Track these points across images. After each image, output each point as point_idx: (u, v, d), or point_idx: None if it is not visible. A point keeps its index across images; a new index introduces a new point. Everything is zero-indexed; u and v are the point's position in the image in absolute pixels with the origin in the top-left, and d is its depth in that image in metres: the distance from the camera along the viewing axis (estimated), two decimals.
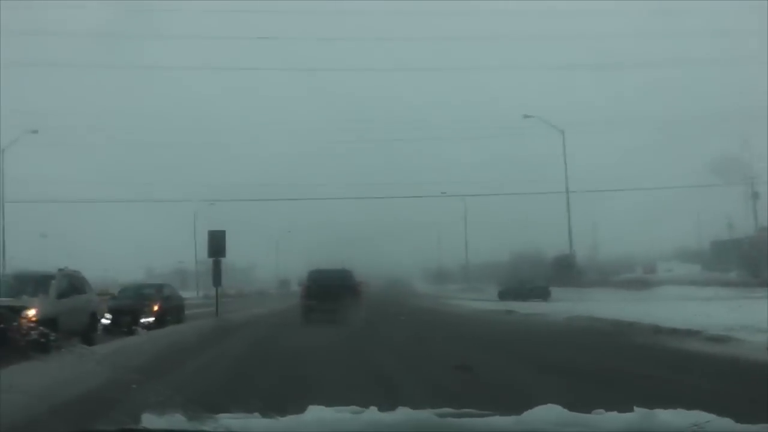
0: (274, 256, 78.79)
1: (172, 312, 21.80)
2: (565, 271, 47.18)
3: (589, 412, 2.09)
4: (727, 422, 1.96)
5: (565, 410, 2.04)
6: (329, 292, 20.91)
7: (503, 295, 41.86)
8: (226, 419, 2.01)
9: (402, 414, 2.03)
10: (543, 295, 39.91)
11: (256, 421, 2.04)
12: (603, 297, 30.80)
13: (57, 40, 77.91)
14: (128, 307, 20.31)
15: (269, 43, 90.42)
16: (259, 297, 57.97)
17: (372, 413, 2.07)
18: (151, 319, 19.78)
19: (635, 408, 2.04)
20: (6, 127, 40.73)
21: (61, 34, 64.31)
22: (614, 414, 2.07)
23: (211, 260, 24.00)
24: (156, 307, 20.74)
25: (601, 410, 2.12)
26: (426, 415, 2.04)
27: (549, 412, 2.05)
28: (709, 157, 46.30)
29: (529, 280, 44.73)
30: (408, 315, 24.11)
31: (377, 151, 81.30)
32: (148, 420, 1.90)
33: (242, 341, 14.16)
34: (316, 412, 2.05)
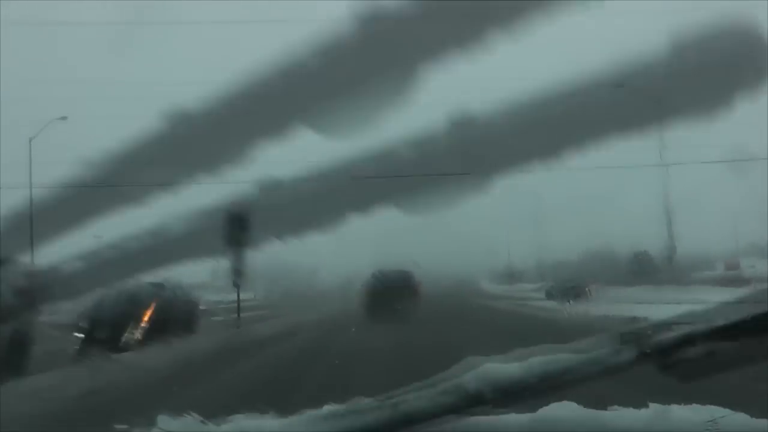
0: (337, 255, 78.34)
1: (175, 321, 16.63)
2: (647, 268, 45.69)
3: (604, 409, 2.07)
4: (742, 417, 1.93)
5: (581, 407, 2.03)
6: (390, 293, 21.76)
7: (550, 295, 41.15)
8: (240, 420, 2.06)
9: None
10: (582, 294, 38.18)
11: (270, 421, 2.08)
12: (706, 297, 27.01)
13: None
14: (106, 318, 15.44)
15: None
16: (321, 298, 57.48)
17: (385, 409, 2.08)
18: (139, 334, 15.38)
19: (650, 404, 2.01)
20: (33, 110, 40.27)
21: None
22: (629, 410, 2.05)
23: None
24: (146, 317, 15.92)
25: (616, 407, 2.09)
26: None
27: (564, 409, 2.04)
28: None
29: (570, 278, 43.61)
30: (503, 329, 19.86)
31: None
32: (162, 421, 1.94)
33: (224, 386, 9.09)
34: (330, 410, 2.08)
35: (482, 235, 69.96)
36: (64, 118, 38.64)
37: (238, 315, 19.18)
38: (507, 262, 70.28)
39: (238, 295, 20.18)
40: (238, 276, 17.54)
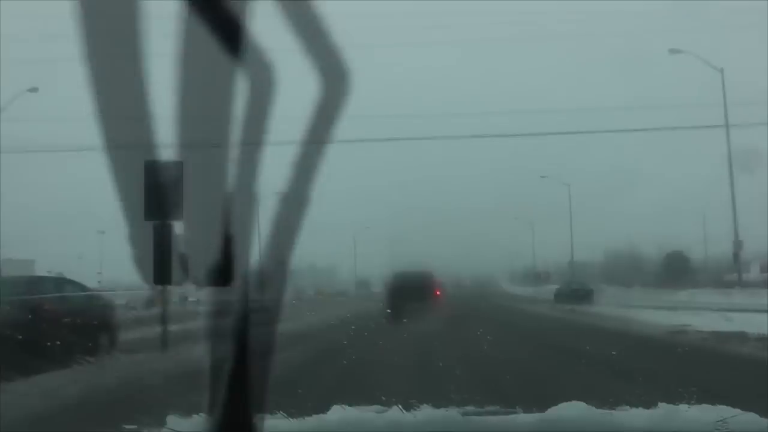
0: (354, 256, 77.85)
1: (69, 334, 11.24)
2: (681, 270, 45.00)
3: (613, 408, 2.07)
4: (752, 417, 1.92)
5: (590, 407, 2.03)
6: (410, 293, 22.80)
7: (558, 298, 40.91)
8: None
9: (426, 413, 2.05)
10: (587, 297, 37.95)
11: (280, 421, 2.11)
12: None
13: None
14: None
15: None
16: (334, 299, 55.77)
17: (395, 412, 2.10)
18: None
19: (660, 404, 2.00)
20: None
21: None
22: (639, 410, 2.05)
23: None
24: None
25: (626, 406, 2.09)
26: (450, 413, 2.06)
27: (573, 408, 2.04)
28: None
29: (576, 281, 43.94)
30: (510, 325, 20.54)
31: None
32: (172, 422, 1.96)
33: None
34: (339, 412, 2.10)
35: (511, 238, 69.64)
36: (34, 89, 35.83)
37: (164, 331, 12.54)
38: (532, 264, 70.00)
39: (165, 300, 14.40)
40: (162, 267, 11.25)
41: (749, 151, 36.32)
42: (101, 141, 1.38)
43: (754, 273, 49.36)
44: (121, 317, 15.55)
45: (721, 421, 1.88)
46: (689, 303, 28.23)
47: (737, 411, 1.93)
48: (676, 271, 45.98)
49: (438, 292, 25.96)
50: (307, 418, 2.09)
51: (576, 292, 38.54)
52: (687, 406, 2.00)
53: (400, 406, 2.13)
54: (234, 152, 1.44)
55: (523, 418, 2.04)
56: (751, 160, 35.70)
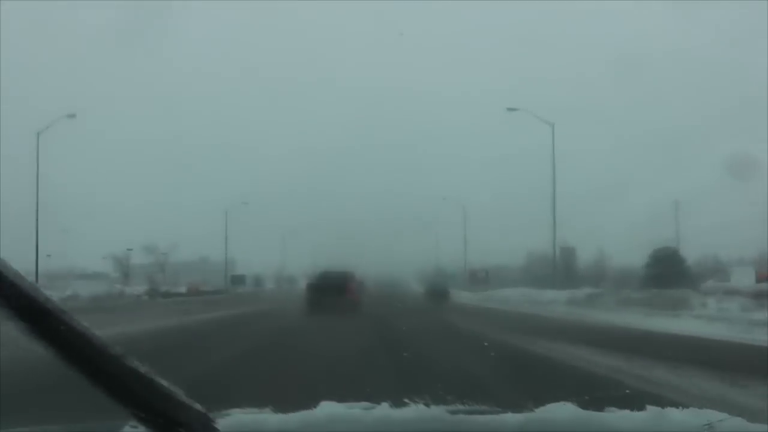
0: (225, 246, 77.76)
1: None
2: (672, 270, 44.78)
3: (601, 410, 2.07)
4: (739, 421, 1.93)
5: (578, 408, 2.03)
6: (330, 290, 27.17)
7: (425, 295, 50.23)
8: (238, 414, 2.07)
9: (413, 410, 2.05)
10: (444, 296, 48.89)
11: (267, 416, 2.10)
12: None
13: None
14: None
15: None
16: (207, 298, 56.77)
17: (383, 409, 2.10)
18: None
19: (647, 407, 2.01)
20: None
21: None
22: (626, 412, 2.05)
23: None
24: None
25: (614, 408, 2.09)
26: (438, 411, 2.06)
27: (561, 409, 2.04)
28: None
29: (440, 283, 55.12)
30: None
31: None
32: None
33: None
34: (327, 408, 2.10)
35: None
36: (72, 115, 40.51)
37: None
38: (463, 263, 73.31)
39: None
40: None
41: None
42: None
43: (744, 281, 43.20)
44: None
45: (707, 425, 1.88)
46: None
47: (724, 415, 1.93)
48: (666, 272, 45.25)
49: (354, 289, 30.09)
50: (294, 414, 2.08)
51: (437, 292, 49.12)
52: (674, 409, 2.00)
53: (388, 403, 2.13)
54: None
55: (511, 417, 2.04)
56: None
